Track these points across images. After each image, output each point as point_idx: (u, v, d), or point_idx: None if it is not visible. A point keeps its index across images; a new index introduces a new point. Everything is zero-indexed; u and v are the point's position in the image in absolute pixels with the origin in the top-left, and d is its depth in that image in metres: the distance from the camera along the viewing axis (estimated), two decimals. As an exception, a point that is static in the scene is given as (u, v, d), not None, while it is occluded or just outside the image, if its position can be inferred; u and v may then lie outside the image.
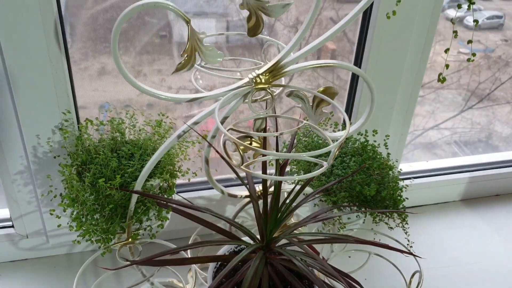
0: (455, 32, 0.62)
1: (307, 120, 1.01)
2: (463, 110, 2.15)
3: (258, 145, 0.96)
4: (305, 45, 0.86)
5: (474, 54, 0.67)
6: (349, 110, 1.30)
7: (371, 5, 1.11)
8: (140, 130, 1.06)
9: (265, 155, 0.90)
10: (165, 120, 1.08)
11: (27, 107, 1.00)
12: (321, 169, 0.73)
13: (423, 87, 1.22)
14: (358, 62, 1.21)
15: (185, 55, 0.78)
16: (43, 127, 1.03)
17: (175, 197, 1.04)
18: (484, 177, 1.55)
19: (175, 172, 1.01)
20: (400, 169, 1.16)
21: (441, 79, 0.65)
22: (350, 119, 1.31)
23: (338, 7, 1.52)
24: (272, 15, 0.80)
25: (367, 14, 1.14)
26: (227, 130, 0.82)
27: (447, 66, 0.69)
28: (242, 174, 1.12)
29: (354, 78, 1.26)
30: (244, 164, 0.72)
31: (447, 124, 2.09)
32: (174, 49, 1.32)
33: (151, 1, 0.72)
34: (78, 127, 1.05)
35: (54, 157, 1.06)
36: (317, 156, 0.74)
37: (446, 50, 0.68)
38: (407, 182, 1.42)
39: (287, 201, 0.89)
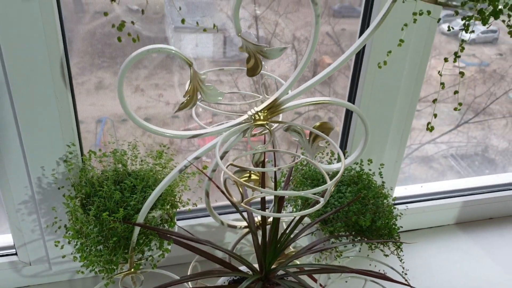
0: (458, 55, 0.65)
1: (303, 154, 1.04)
2: (459, 124, 2.18)
3: (257, 177, 0.99)
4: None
5: (462, 73, 0.69)
6: (345, 133, 1.33)
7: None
8: (142, 161, 1.09)
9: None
10: (166, 151, 1.11)
11: (32, 140, 1.03)
12: (317, 205, 0.76)
13: (419, 101, 1.26)
14: (352, 93, 1.25)
15: (188, 96, 0.82)
16: (48, 159, 1.06)
17: (176, 226, 1.07)
18: (477, 201, 1.59)
19: (175, 203, 1.04)
20: (395, 197, 1.19)
21: (429, 128, 0.69)
22: (346, 141, 1.34)
23: (334, 22, 1.55)
24: (270, 58, 0.84)
25: (359, 56, 1.19)
26: (227, 166, 0.85)
27: (442, 85, 0.71)
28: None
29: (350, 101, 1.29)
30: (244, 201, 0.75)
31: (443, 138, 2.12)
32: (172, 64, 1.34)
33: (155, 46, 0.75)
34: (82, 159, 1.09)
35: (58, 188, 1.08)
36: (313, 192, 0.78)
37: (439, 72, 0.71)
38: (402, 207, 1.46)
39: (287, 231, 0.92)
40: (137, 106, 1.37)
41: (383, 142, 1.30)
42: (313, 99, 0.92)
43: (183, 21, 0.82)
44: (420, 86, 1.23)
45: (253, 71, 0.85)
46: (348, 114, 1.31)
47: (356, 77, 1.23)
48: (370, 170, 1.19)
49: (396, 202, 1.49)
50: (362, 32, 1.18)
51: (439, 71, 0.64)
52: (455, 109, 0.69)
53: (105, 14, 0.77)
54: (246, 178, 0.98)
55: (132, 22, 0.42)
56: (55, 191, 1.10)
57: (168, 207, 1.02)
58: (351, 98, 1.26)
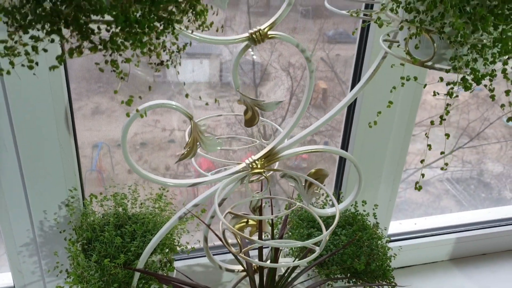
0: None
1: (299, 197, 1.07)
2: (454, 149, 2.21)
3: (255, 222, 1.02)
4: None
5: (451, 94, 0.72)
6: (341, 167, 1.36)
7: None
8: (141, 204, 1.12)
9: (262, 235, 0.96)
10: (166, 194, 1.14)
11: (35, 184, 1.06)
12: (313, 255, 0.79)
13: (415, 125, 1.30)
14: (346, 139, 1.29)
15: (188, 147, 0.85)
16: (50, 203, 1.09)
17: (174, 270, 1.09)
18: (470, 237, 1.61)
19: (174, 246, 1.07)
20: (388, 238, 1.21)
21: (418, 188, 0.72)
22: (342, 175, 1.36)
23: (329, 48, 1.59)
24: (267, 110, 0.88)
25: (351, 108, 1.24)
26: (226, 214, 0.88)
27: (429, 147, 0.75)
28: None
29: (346, 137, 1.33)
30: (242, 251, 0.78)
31: (439, 162, 2.15)
32: (168, 89, 1.36)
33: (158, 102, 0.79)
34: (83, 203, 1.11)
35: (60, 232, 1.11)
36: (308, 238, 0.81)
37: (432, 122, 0.75)
38: (397, 244, 1.48)
39: (284, 275, 0.95)
40: (134, 132, 1.39)
41: (377, 182, 1.33)
42: (308, 147, 0.96)
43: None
44: (411, 130, 1.28)
45: (250, 122, 0.89)
46: (344, 147, 1.35)
47: (348, 129, 1.27)
48: (364, 211, 1.22)
49: (391, 239, 1.52)
50: (358, 59, 1.21)
51: (426, 133, 0.68)
52: (446, 136, 0.72)
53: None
54: (244, 223, 1.01)
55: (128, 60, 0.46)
56: (56, 234, 1.12)
57: (167, 250, 1.05)
58: (345, 141, 1.30)
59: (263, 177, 0.94)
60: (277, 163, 0.99)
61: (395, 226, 1.59)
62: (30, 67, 0.46)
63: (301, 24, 1.77)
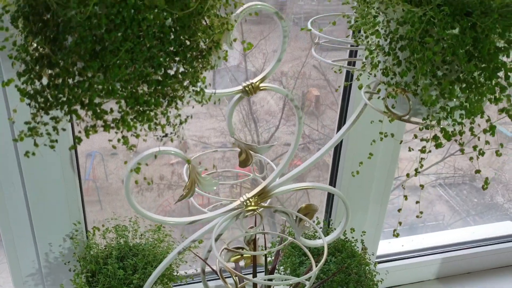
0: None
1: (291, 235, 1.14)
2: (445, 157, 2.27)
3: (248, 255, 1.08)
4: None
5: (423, 151, 0.79)
6: (331, 194, 1.43)
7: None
8: (141, 235, 1.19)
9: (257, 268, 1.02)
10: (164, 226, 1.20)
11: (41, 219, 1.12)
12: (303, 290, 0.85)
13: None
14: (334, 172, 1.36)
15: (186, 189, 0.92)
16: (55, 236, 1.15)
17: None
18: (456, 257, 1.69)
19: (173, 277, 1.13)
20: (376, 262, 1.28)
21: (395, 235, 0.79)
22: (332, 204, 1.43)
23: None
24: (260, 153, 0.95)
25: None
26: (222, 250, 0.95)
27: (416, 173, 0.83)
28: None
29: (334, 170, 1.40)
30: (238, 287, 0.84)
31: (431, 169, 2.21)
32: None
33: (156, 150, 0.86)
34: (87, 235, 1.17)
35: (65, 264, 1.17)
36: (298, 273, 0.87)
37: (407, 175, 0.82)
38: (384, 266, 1.55)
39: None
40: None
41: (364, 209, 1.40)
42: (299, 184, 1.02)
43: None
44: (395, 166, 1.35)
45: (244, 163, 0.96)
46: (334, 170, 1.41)
47: (335, 166, 1.35)
48: (353, 237, 1.29)
49: (379, 260, 1.59)
50: (343, 101, 1.28)
51: (402, 185, 0.75)
52: (421, 186, 0.79)
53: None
54: (240, 255, 1.07)
55: (137, 135, 0.53)
56: (61, 265, 1.18)
57: (166, 280, 1.11)
58: (333, 175, 1.37)
59: (257, 213, 1.01)
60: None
61: (384, 246, 1.66)
62: (52, 147, 0.53)
63: (293, 32, 1.84)
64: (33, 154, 0.53)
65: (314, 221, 1.30)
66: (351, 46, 0.91)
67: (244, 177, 1.20)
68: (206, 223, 1.01)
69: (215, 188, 0.96)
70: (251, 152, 0.94)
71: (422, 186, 0.82)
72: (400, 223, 0.78)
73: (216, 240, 0.99)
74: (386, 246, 1.69)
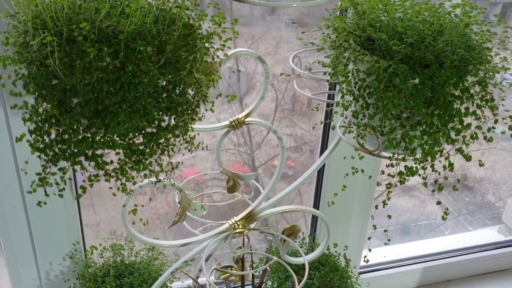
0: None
1: (278, 251, 1.22)
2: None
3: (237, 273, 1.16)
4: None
5: (389, 186, 0.88)
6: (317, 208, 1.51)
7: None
8: (136, 253, 1.26)
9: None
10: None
11: (42, 239, 1.19)
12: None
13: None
14: (318, 192, 1.44)
15: (178, 215, 1.00)
16: (55, 255, 1.23)
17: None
18: (436, 266, 1.78)
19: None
20: (358, 276, 1.37)
21: (366, 261, 0.88)
22: (316, 219, 1.52)
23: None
24: (245, 180, 1.03)
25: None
26: (212, 270, 1.03)
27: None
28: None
29: (318, 189, 1.48)
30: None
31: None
32: None
33: (152, 180, 0.93)
34: (85, 254, 1.25)
35: (65, 281, 1.24)
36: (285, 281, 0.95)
37: (376, 207, 0.90)
38: (367, 276, 1.64)
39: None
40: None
41: (347, 225, 1.49)
42: (284, 207, 1.11)
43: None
44: (374, 186, 1.44)
45: (232, 190, 1.04)
46: (318, 184, 1.49)
47: (320, 182, 1.43)
48: (336, 251, 1.38)
49: (362, 270, 1.67)
50: (325, 125, 1.36)
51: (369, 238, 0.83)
52: (389, 216, 0.87)
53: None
54: (229, 274, 1.15)
55: (134, 182, 0.60)
56: (61, 283, 1.25)
57: (160, 297, 1.19)
58: (317, 195, 1.45)
59: (245, 235, 1.09)
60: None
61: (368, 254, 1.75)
62: (60, 196, 0.60)
63: (284, 33, 1.89)
64: (45, 203, 0.61)
65: (300, 236, 1.39)
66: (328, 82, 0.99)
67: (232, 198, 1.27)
68: (198, 244, 1.09)
69: (204, 213, 1.04)
70: (238, 179, 1.02)
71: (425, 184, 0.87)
72: (388, 241, 0.87)
73: (206, 260, 1.07)
74: (369, 256, 1.77)
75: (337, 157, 1.35)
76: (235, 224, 1.07)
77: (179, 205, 0.99)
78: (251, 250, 1.10)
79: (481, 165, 0.82)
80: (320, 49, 0.87)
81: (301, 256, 1.31)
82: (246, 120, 0.96)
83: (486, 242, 1.88)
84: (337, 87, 1.18)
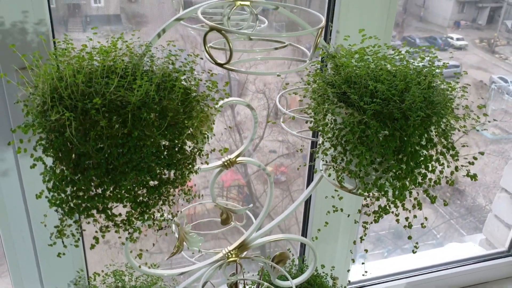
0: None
1: (269, 277, 1.31)
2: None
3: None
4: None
5: (365, 225, 0.98)
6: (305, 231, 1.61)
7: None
8: (136, 279, 1.35)
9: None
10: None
11: (49, 267, 1.28)
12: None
13: None
14: (305, 219, 1.54)
15: (177, 247, 1.09)
16: (60, 282, 1.31)
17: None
18: (420, 281, 1.87)
19: (166, 316, 1.29)
20: (345, 294, 1.46)
21: (364, 274, 0.97)
22: (305, 247, 1.61)
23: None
24: (238, 213, 1.12)
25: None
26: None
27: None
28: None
29: (305, 217, 1.57)
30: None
31: None
32: None
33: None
34: (88, 281, 1.33)
35: (70, 307, 1.33)
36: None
37: (351, 252, 1.00)
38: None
39: None
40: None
41: (333, 246, 1.58)
42: (274, 236, 1.20)
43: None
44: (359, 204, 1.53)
45: (225, 222, 1.14)
46: (307, 208, 1.58)
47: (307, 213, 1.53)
48: (324, 272, 1.47)
49: (351, 287, 1.77)
50: (311, 154, 1.45)
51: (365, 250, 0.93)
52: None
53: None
54: (223, 298, 1.25)
55: (140, 232, 0.70)
56: (66, 308, 1.34)
57: (159, 321, 1.28)
58: (305, 222, 1.55)
59: (237, 263, 1.18)
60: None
61: (357, 268, 1.84)
62: (76, 246, 0.69)
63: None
64: (64, 254, 0.70)
65: (290, 258, 1.48)
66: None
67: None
68: (194, 272, 1.18)
69: (200, 244, 1.13)
70: (231, 213, 1.11)
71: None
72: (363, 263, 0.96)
73: (202, 287, 1.16)
74: (359, 268, 1.86)
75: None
76: (229, 254, 1.16)
77: (177, 237, 1.08)
78: (243, 277, 1.19)
79: (475, 180, 0.88)
80: (303, 97, 0.97)
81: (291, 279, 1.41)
82: (237, 159, 1.05)
83: (471, 256, 1.98)
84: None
